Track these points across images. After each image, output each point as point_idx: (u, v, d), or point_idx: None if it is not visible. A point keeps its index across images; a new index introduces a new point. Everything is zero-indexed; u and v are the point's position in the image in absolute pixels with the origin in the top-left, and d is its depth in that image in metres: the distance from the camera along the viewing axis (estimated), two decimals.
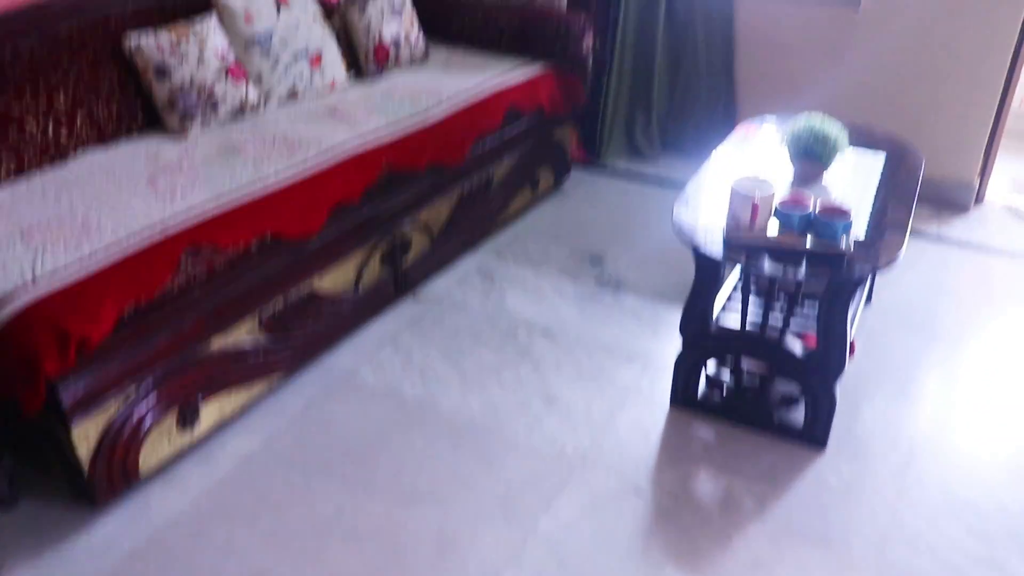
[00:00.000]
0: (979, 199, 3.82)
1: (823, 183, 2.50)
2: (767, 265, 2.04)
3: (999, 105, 3.58)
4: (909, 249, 3.08)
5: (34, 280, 1.99)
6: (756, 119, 3.09)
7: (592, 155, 4.17)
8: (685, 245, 2.22)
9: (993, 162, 3.76)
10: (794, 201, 2.16)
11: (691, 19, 3.97)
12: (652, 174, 4.05)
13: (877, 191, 2.50)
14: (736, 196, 2.10)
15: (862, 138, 2.83)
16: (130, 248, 2.14)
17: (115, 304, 1.99)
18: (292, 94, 3.18)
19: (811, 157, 2.44)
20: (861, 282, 2.34)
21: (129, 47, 2.85)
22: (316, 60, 3.23)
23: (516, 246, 3.43)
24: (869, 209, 2.37)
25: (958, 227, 3.63)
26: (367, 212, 2.75)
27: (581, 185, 3.96)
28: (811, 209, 2.13)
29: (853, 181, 2.54)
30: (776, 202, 2.15)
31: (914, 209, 2.44)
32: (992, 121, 3.61)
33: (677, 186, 3.84)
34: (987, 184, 3.81)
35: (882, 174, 2.63)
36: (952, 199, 3.76)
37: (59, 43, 2.73)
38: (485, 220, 3.39)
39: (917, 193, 2.54)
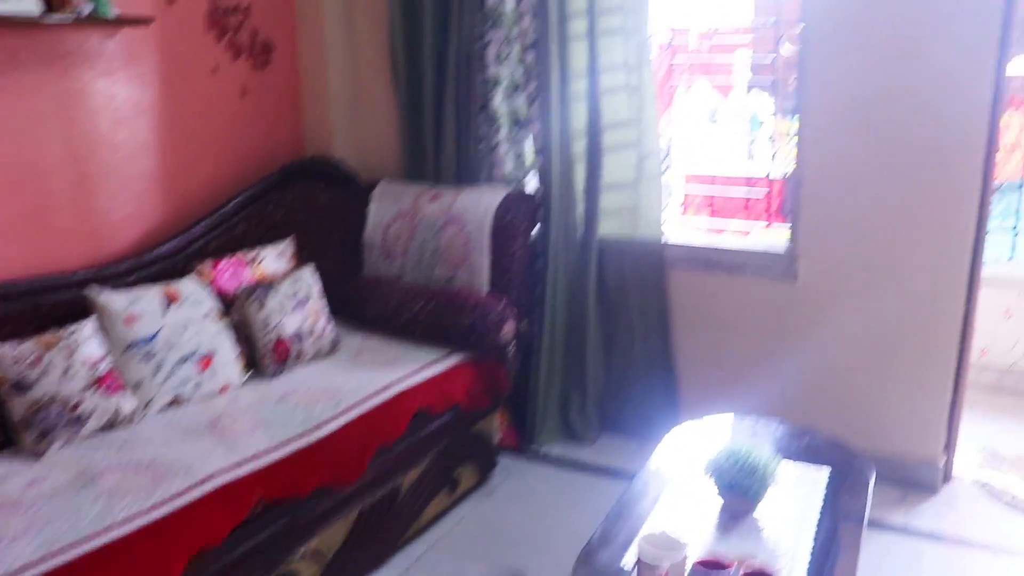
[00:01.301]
0: (947, 476, 3.51)
1: (754, 518, 2.18)
2: None
3: (957, 365, 3.35)
4: (873, 547, 2.74)
5: None
6: (694, 422, 2.82)
7: (524, 440, 3.86)
8: None
9: (958, 431, 3.47)
10: (710, 565, 1.82)
11: (623, 294, 3.80)
12: (590, 462, 3.72)
13: (820, 520, 2.19)
14: (643, 566, 1.76)
15: (803, 449, 2.55)
16: None
17: None
18: (176, 401, 2.88)
19: (739, 492, 2.13)
20: None
21: None
22: (206, 362, 2.96)
23: (427, 564, 3.03)
24: (809, 549, 2.05)
25: (927, 513, 3.29)
26: (238, 553, 2.37)
27: (511, 477, 3.62)
28: (732, 573, 1.80)
29: (791, 511, 2.23)
30: (690, 565, 1.81)
31: (866, 522, 2.13)
32: (952, 386, 3.36)
33: (617, 475, 3.53)
34: (954, 458, 3.51)
35: (825, 496, 2.32)
36: (917, 479, 3.44)
37: None
38: (392, 536, 3.01)
39: (867, 517, 2.23)
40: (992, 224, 3.66)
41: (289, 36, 3.95)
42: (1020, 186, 4.58)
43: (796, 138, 3.46)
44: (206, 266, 3.24)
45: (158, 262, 3.24)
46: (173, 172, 3.44)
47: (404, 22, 3.84)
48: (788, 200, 3.88)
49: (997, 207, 4.47)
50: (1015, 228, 4.62)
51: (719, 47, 4.81)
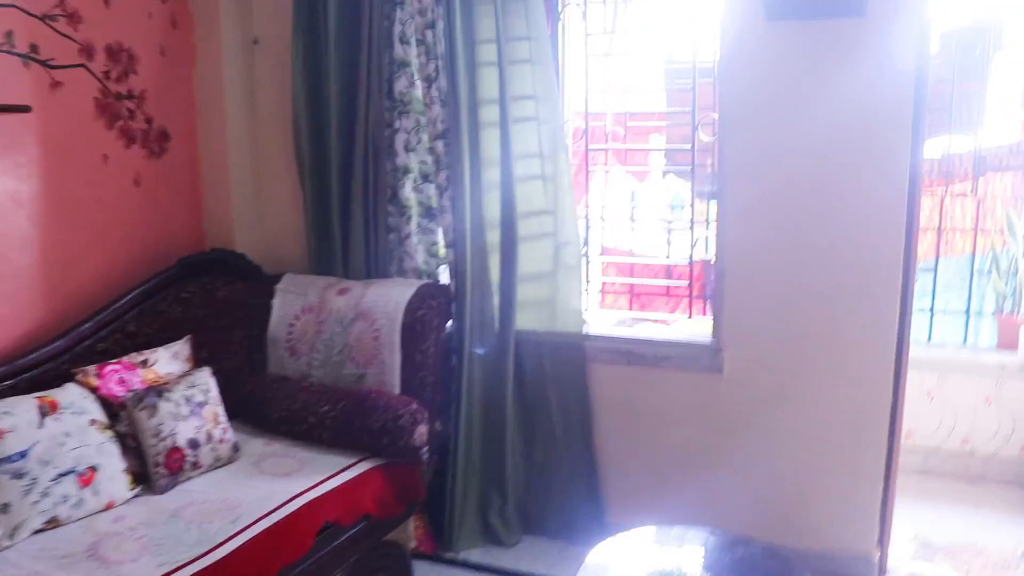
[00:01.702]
0: (882, 570, 3.39)
1: None
2: None
3: (888, 453, 3.27)
4: None
5: None
6: (619, 536, 2.64)
7: (442, 546, 3.62)
8: None
9: (891, 523, 3.39)
10: None
11: (543, 390, 3.64)
12: (511, 567, 3.49)
13: None
14: None
15: (736, 561, 2.40)
16: None
17: None
18: (53, 523, 2.58)
19: None
20: None
21: None
22: (87, 478, 2.67)
23: None
24: None
25: None
26: None
27: None
28: None
29: None
30: None
31: None
32: (883, 475, 3.28)
33: None
34: (888, 550, 3.41)
35: None
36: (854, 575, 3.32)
37: None
38: None
39: None
40: None
41: (188, 123, 3.76)
42: (934, 267, 4.60)
43: (716, 224, 3.40)
44: (91, 371, 2.97)
45: (35, 368, 2.95)
46: (57, 268, 3.18)
47: (309, 109, 3.70)
48: (710, 288, 3.80)
49: None
50: (931, 309, 4.63)
51: (635, 133, 4.79)
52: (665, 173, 4.77)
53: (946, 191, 4.44)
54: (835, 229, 3.18)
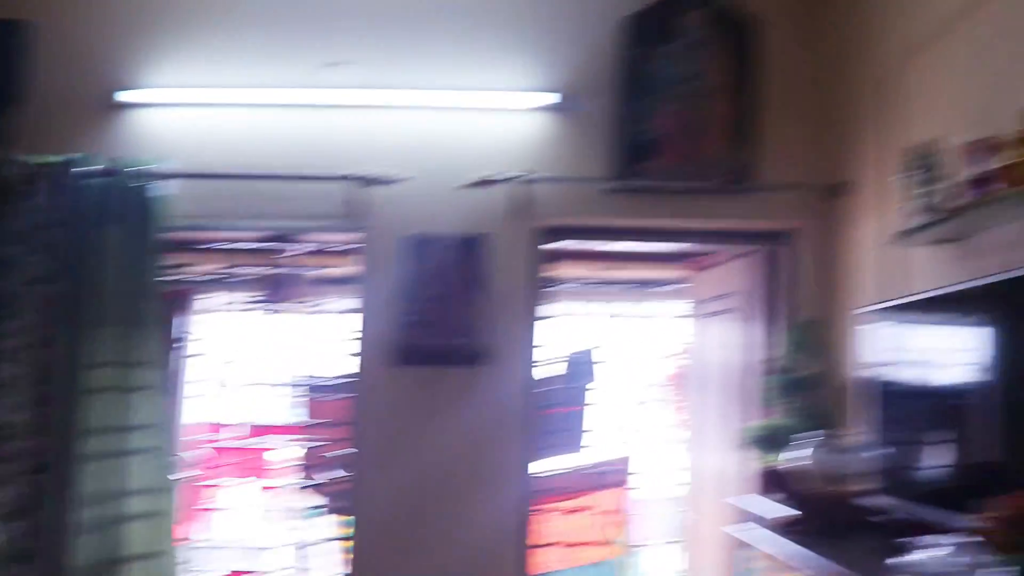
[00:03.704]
0: None
1: None
2: None
3: None
4: None
5: None
6: None
7: None
8: None
9: None
10: None
11: None
12: None
13: None
14: None
15: None
16: None
17: None
18: None
19: None
20: None
21: None
22: None
23: None
24: None
25: None
26: None
27: None
28: None
29: None
30: None
31: None
32: None
33: None
34: None
35: None
36: None
37: None
38: None
39: None
40: None
41: None
42: None
43: (351, 543, 3.37)
44: None
45: None
46: None
47: None
48: None
49: None
50: None
51: (262, 446, 4.70)
52: (300, 487, 4.66)
53: (560, 506, 4.76)
54: (458, 550, 3.29)
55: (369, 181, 3.38)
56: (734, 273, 3.87)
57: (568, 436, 4.53)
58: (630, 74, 3.49)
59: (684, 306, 4.63)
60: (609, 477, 4.99)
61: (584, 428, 4.70)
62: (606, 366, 5.03)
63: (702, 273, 4.29)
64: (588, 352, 4.77)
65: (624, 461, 5.18)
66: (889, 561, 2.00)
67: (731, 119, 3.50)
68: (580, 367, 4.64)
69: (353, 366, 3.45)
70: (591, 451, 4.90)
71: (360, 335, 3.42)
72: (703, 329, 4.25)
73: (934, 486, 2.35)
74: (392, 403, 3.37)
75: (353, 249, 3.57)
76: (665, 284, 4.86)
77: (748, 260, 3.73)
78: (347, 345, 3.55)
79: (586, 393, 4.74)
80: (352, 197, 3.39)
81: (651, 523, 5.37)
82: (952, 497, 2.17)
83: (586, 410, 4.75)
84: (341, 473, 4.08)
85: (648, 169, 3.45)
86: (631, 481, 5.18)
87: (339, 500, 4.15)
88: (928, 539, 1.96)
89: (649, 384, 5.62)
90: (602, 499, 4.90)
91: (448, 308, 3.33)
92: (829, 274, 3.40)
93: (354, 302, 3.51)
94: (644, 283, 4.92)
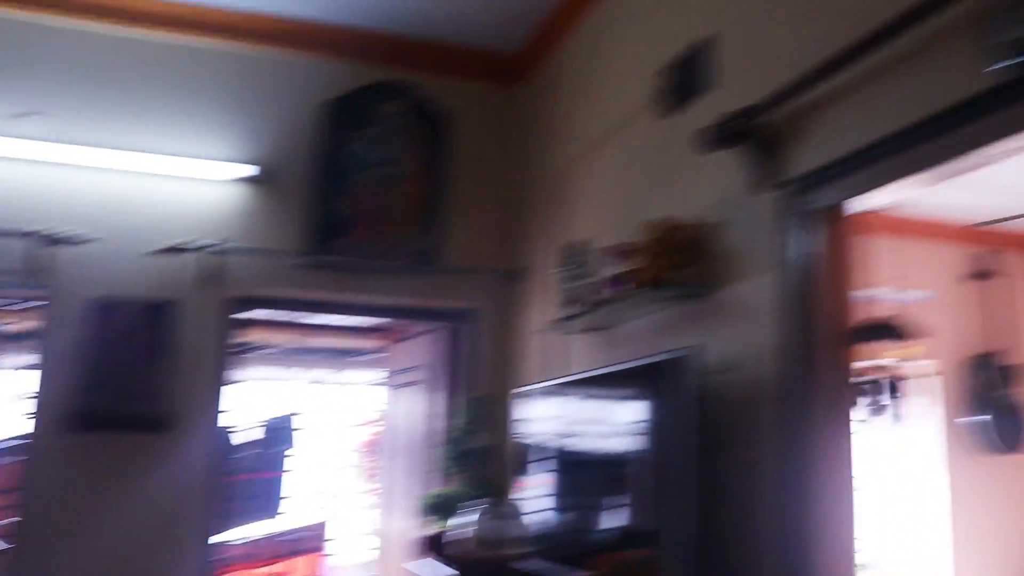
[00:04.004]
0: None
1: None
2: None
3: None
4: None
5: None
6: None
7: None
8: None
9: None
10: None
11: None
12: None
13: None
14: None
15: None
16: None
17: None
18: None
19: None
20: None
21: None
22: None
23: None
24: None
25: None
26: None
27: None
28: None
29: None
30: None
31: None
32: None
33: None
34: None
35: None
36: None
37: None
38: None
39: None
40: None
41: None
42: None
43: None
44: None
45: None
46: None
47: None
48: None
49: None
50: None
51: None
52: None
53: (255, 573, 4.73)
54: None
55: (54, 240, 3.31)
56: (423, 347, 4.11)
57: (265, 501, 4.54)
58: (327, 154, 3.67)
59: (380, 375, 4.82)
60: (305, 543, 5.01)
61: (282, 493, 4.72)
62: (305, 432, 5.10)
63: (397, 345, 4.51)
64: (287, 418, 4.82)
65: (320, 526, 5.23)
66: None
67: (421, 203, 3.77)
68: (279, 432, 4.68)
69: (26, 428, 3.28)
70: (288, 516, 4.92)
71: (36, 396, 3.26)
72: (396, 398, 4.45)
73: (572, 546, 2.62)
74: (68, 469, 3.24)
75: (33, 307, 3.45)
76: (362, 353, 5.03)
77: (435, 335, 3.99)
78: (19, 405, 3.39)
79: (285, 458, 4.79)
80: (34, 254, 3.30)
81: None
82: (582, 556, 2.46)
83: (284, 475, 4.78)
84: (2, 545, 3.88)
85: (340, 246, 3.62)
86: (327, 546, 5.24)
87: None
88: None
89: (345, 450, 5.74)
90: (298, 565, 4.93)
91: (132, 373, 3.27)
92: (502, 352, 3.72)
93: (31, 360, 3.35)
94: (342, 352, 5.06)
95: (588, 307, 2.73)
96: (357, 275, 3.66)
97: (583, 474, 2.69)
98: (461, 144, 3.87)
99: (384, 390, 4.67)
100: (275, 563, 4.74)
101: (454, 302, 3.82)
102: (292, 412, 4.88)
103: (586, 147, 3.22)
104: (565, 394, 2.81)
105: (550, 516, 2.83)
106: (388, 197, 3.74)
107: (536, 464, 2.99)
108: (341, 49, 3.76)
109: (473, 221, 3.84)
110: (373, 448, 5.51)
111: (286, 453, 4.74)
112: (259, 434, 4.66)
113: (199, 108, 3.61)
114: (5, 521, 3.33)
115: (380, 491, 4.66)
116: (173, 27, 3.59)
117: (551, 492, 2.88)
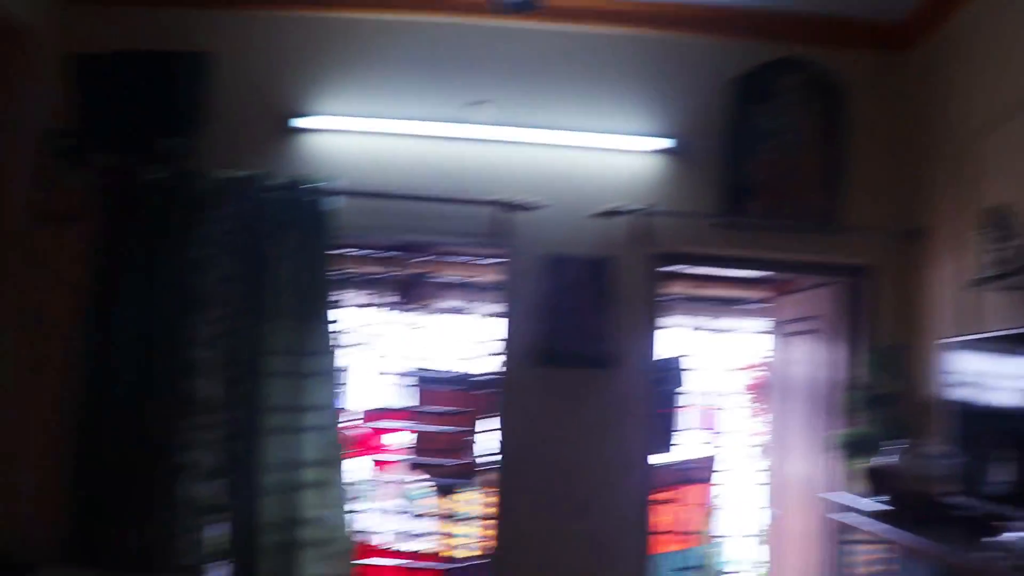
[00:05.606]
0: None
1: None
2: None
3: None
4: None
5: None
6: None
7: None
8: None
9: None
10: None
11: None
12: None
13: None
14: None
15: None
16: None
17: None
18: None
19: None
20: None
21: None
22: None
23: None
24: None
25: None
26: None
27: None
28: None
29: None
30: None
31: None
32: None
33: None
34: None
35: None
36: None
37: None
38: None
39: None
40: None
41: None
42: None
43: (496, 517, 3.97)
44: None
45: None
46: None
47: (92, 402, 3.76)
48: None
49: None
50: None
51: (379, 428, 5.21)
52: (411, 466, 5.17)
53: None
54: (593, 523, 3.91)
55: (512, 206, 3.94)
56: (815, 299, 4.41)
57: (661, 436, 5.02)
58: (735, 126, 4.07)
59: (764, 324, 5.15)
60: (696, 473, 5.52)
61: (674, 428, 5.21)
62: (693, 373, 5.56)
63: (783, 296, 4.82)
64: (676, 359, 5.28)
65: (709, 459, 5.73)
66: (982, 541, 2.52)
67: (821, 168, 4.07)
68: (669, 373, 5.15)
69: (497, 364, 4.05)
70: (680, 450, 5.42)
71: (505, 338, 4.00)
72: (783, 346, 4.79)
73: (1004, 489, 2.84)
74: (535, 397, 3.97)
75: (497, 263, 4.17)
76: (748, 303, 5.35)
77: (830, 289, 4.27)
78: (489, 345, 4.09)
79: (676, 396, 5.26)
80: (497, 219, 3.94)
81: (733, 517, 5.89)
82: (1019, 497, 2.68)
83: (676, 412, 5.26)
84: (475, 455, 4.77)
85: (748, 208, 4.03)
86: (715, 478, 5.72)
87: (473, 477, 4.73)
88: (1013, 525, 2.48)
89: (731, 392, 6.13)
90: (689, 493, 5.44)
91: (581, 318, 3.90)
92: (906, 307, 3.93)
93: (497, 308, 4.13)
94: (729, 301, 5.42)
95: (1013, 268, 2.88)
96: (762, 234, 4.04)
97: (1001, 423, 2.88)
98: (856, 111, 4.09)
99: (769, 338, 5.00)
100: (671, 490, 5.27)
101: (852, 259, 4.07)
102: (681, 354, 5.32)
103: (1003, 112, 3.29)
104: (983, 348, 3.02)
105: (971, 458, 3.02)
106: (790, 163, 4.07)
107: (953, 411, 3.19)
108: (742, 29, 4.12)
109: (870, 183, 4.07)
110: (759, 391, 5.86)
111: (677, 391, 5.21)
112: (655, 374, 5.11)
113: (620, 90, 4.14)
114: (485, 436, 4.05)
115: (768, 430, 5.02)
116: (592, 20, 4.13)
117: (969, 437, 3.07)
